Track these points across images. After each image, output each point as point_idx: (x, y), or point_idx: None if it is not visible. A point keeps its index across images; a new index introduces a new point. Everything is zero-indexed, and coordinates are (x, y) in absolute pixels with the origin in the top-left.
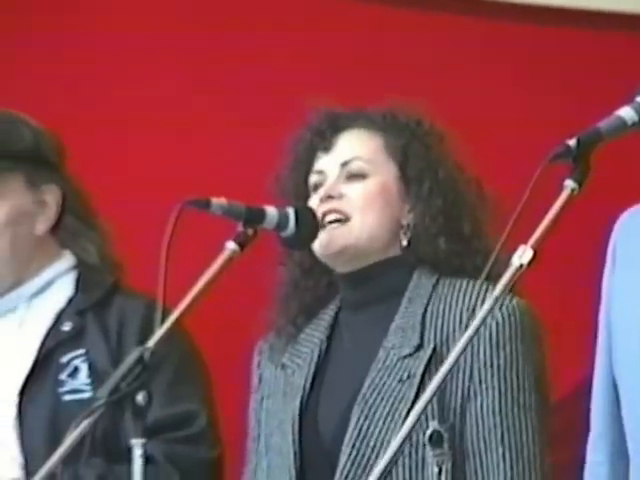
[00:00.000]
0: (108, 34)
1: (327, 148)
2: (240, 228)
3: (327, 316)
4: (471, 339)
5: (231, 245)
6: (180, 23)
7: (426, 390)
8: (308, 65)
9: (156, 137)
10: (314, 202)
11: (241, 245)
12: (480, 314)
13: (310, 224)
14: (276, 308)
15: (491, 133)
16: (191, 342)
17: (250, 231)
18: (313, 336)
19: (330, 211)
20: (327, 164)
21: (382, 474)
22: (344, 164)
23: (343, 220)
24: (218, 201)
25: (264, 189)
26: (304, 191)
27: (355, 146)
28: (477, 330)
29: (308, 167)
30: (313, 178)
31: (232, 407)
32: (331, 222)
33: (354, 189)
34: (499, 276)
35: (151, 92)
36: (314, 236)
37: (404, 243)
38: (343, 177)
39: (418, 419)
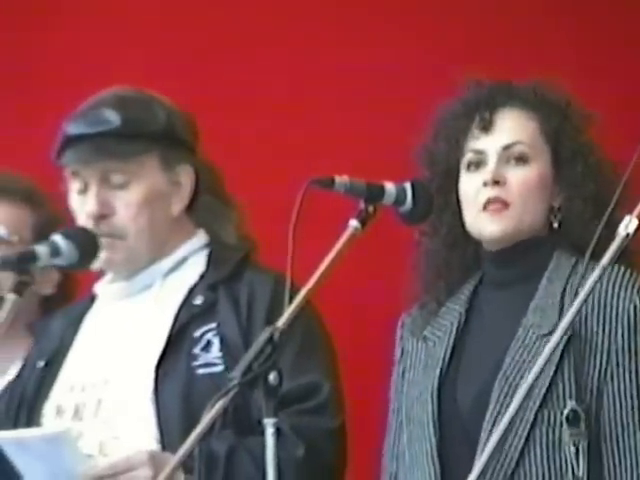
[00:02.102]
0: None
1: (486, 128)
2: (361, 205)
3: (466, 290)
4: (579, 309)
5: (354, 223)
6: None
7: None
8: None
9: (280, 119)
10: (472, 183)
11: (363, 223)
12: (589, 282)
13: (426, 198)
14: (419, 282)
15: None
16: (316, 314)
17: (371, 208)
18: (453, 309)
19: (495, 199)
20: (487, 145)
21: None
22: (506, 147)
23: (504, 208)
24: (341, 179)
25: (374, 167)
26: (454, 165)
27: (516, 129)
28: (585, 300)
29: (462, 142)
30: (469, 156)
31: (371, 383)
32: (494, 209)
33: (516, 175)
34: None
35: (272, 74)
36: (430, 210)
37: (555, 225)
38: (504, 160)
39: (524, 400)
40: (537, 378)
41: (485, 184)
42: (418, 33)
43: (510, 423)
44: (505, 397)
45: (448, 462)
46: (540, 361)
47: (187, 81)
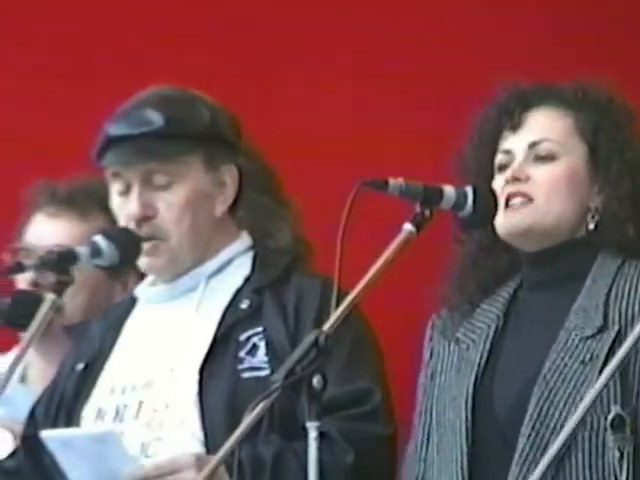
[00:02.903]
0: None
1: (515, 127)
2: (417, 209)
3: (505, 293)
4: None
5: (408, 227)
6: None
7: (604, 373)
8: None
9: (332, 119)
10: (499, 183)
11: (418, 227)
12: None
13: (488, 203)
14: (452, 285)
15: None
16: (365, 321)
17: (427, 212)
18: (490, 312)
19: (515, 194)
20: (515, 144)
21: (555, 457)
22: (532, 145)
23: (527, 202)
24: (395, 182)
25: (435, 171)
26: (489, 170)
27: (544, 126)
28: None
29: (494, 146)
30: (499, 158)
31: (405, 384)
32: (515, 204)
33: (541, 172)
34: None
35: (329, 76)
36: (492, 215)
37: (591, 226)
38: (531, 158)
39: (594, 402)
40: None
41: (507, 182)
42: (472, 38)
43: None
44: (545, 402)
45: (478, 469)
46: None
47: (243, 80)
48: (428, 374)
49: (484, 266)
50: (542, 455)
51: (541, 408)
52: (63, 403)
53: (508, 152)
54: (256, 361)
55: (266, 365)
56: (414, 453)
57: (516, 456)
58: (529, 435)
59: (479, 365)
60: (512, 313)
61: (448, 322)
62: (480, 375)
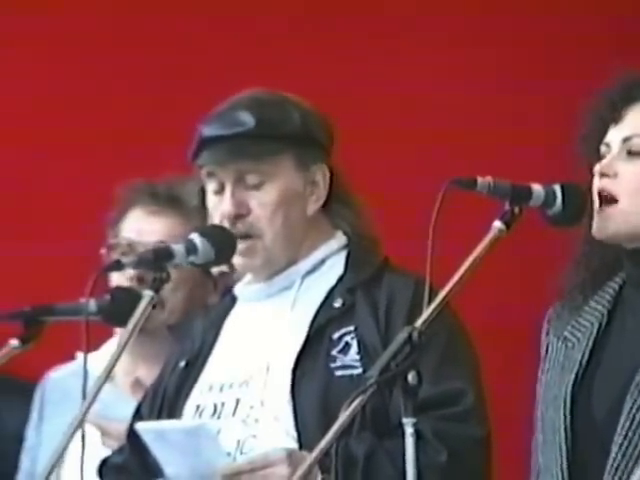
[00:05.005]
0: None
1: (616, 120)
2: (506, 207)
3: (611, 289)
4: None
5: (498, 224)
6: None
7: None
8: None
9: (420, 118)
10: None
11: (507, 224)
12: None
13: (578, 201)
14: (566, 276)
15: None
16: (458, 319)
17: (516, 210)
18: (595, 309)
19: (602, 190)
20: (613, 137)
21: None
22: (625, 140)
23: (611, 203)
24: (484, 180)
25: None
26: (594, 161)
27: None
28: None
29: (600, 138)
30: (601, 150)
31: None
32: (602, 204)
33: (630, 168)
34: None
35: (410, 72)
36: (582, 213)
37: None
38: (624, 153)
39: None
40: None
41: (598, 175)
42: (566, 29)
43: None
44: (638, 410)
45: (577, 470)
46: None
47: (324, 80)
48: (545, 369)
49: (591, 256)
50: (635, 465)
51: (633, 417)
52: (166, 400)
53: (607, 145)
54: (348, 359)
55: (358, 364)
56: (533, 451)
57: (608, 465)
58: (621, 444)
59: (580, 364)
60: (617, 311)
61: (562, 316)
62: (581, 374)
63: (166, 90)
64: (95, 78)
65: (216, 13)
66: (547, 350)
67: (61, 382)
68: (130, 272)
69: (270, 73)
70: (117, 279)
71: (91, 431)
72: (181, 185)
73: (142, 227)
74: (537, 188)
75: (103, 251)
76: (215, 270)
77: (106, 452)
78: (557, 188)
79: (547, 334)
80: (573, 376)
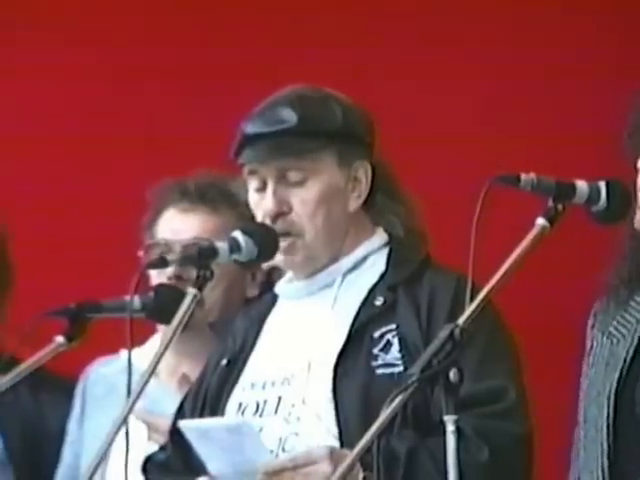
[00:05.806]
0: None
1: None
2: (550, 203)
3: None
4: None
5: (541, 221)
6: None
7: None
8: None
9: (466, 115)
10: None
11: (551, 221)
12: None
13: (622, 197)
14: (611, 271)
15: None
16: (500, 317)
17: (560, 207)
18: None
19: None
20: None
21: None
22: None
23: None
24: (527, 177)
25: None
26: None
27: None
28: None
29: None
30: None
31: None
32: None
33: None
34: None
35: (454, 72)
36: (627, 210)
37: None
38: None
39: None
40: None
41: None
42: (611, 29)
43: None
44: None
45: (618, 469)
46: None
47: (368, 77)
48: (589, 363)
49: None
50: None
51: None
52: (208, 398)
53: None
54: (390, 358)
55: (399, 362)
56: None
57: None
58: None
59: (625, 361)
60: None
61: (608, 310)
62: (625, 371)
63: (199, 90)
64: (128, 78)
65: (254, 12)
66: (592, 344)
67: (105, 378)
68: (170, 271)
69: (309, 71)
70: (157, 278)
71: (137, 426)
72: (210, 181)
73: (176, 226)
74: (581, 185)
75: (140, 253)
76: (265, 265)
77: (152, 447)
78: (602, 185)
79: (592, 328)
80: (617, 375)
